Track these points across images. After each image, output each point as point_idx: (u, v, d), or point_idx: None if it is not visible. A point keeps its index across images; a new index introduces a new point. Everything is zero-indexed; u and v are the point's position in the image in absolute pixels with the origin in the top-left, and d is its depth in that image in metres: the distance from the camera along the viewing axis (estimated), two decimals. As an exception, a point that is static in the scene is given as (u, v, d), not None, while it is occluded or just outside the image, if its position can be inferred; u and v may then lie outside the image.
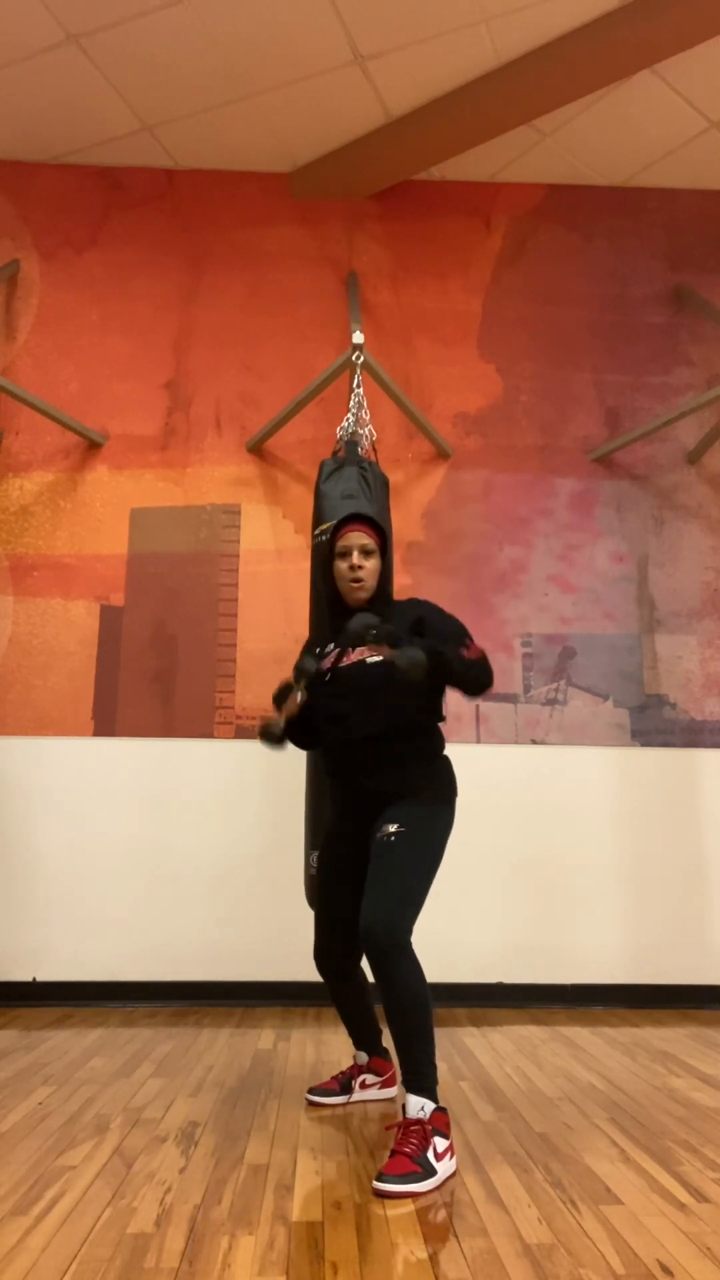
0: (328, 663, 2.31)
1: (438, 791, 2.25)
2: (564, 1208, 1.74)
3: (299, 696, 2.26)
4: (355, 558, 2.29)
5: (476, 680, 2.15)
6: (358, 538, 2.31)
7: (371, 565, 2.31)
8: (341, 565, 2.31)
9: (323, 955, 2.35)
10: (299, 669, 2.27)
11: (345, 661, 2.27)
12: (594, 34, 3.55)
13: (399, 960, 2.00)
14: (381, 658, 2.16)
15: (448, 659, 2.08)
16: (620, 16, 3.49)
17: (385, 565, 2.35)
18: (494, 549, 4.15)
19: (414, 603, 2.36)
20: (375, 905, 2.05)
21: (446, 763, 2.30)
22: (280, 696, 2.29)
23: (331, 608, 2.38)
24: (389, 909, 2.04)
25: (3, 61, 3.76)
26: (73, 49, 3.70)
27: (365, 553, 2.30)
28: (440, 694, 2.29)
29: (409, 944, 2.04)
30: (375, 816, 2.21)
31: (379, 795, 2.21)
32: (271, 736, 2.26)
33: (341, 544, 2.32)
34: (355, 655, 2.26)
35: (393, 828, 2.14)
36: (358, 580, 2.29)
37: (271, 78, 3.84)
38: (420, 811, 2.19)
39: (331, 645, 2.34)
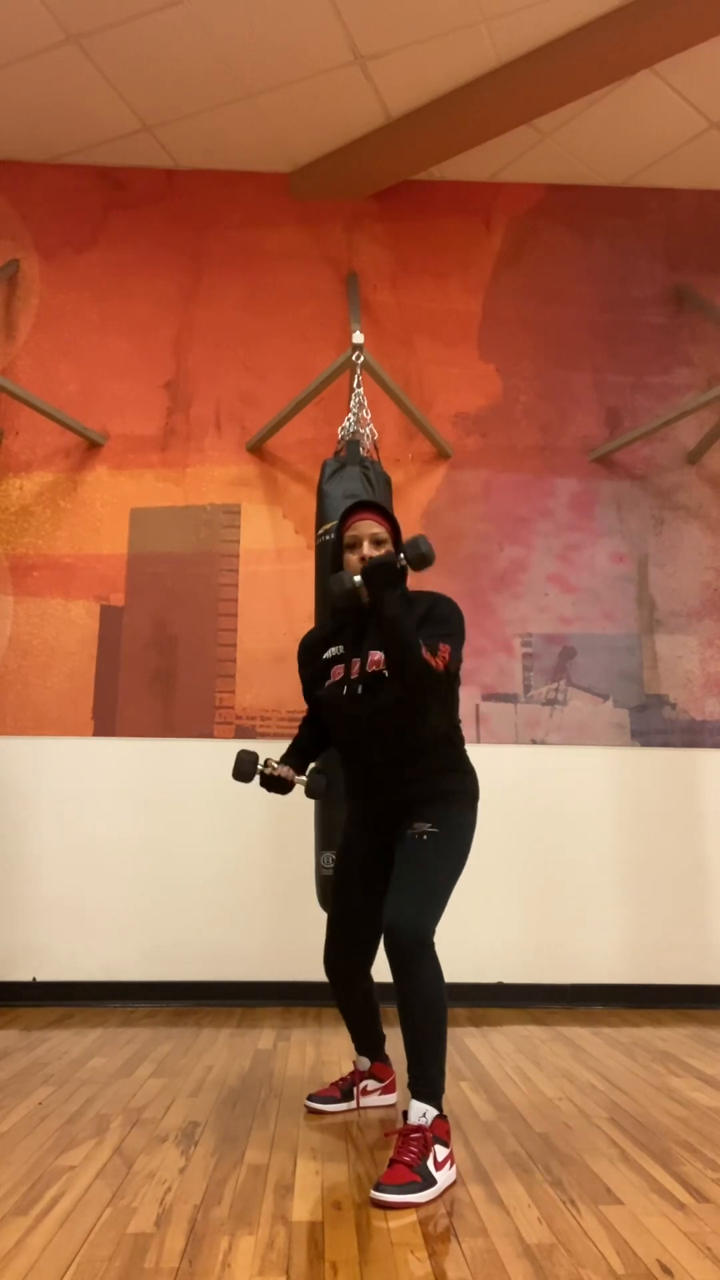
0: (338, 672, 2.19)
1: (465, 796, 2.19)
2: (564, 1208, 1.74)
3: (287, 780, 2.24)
4: (365, 548, 2.18)
5: (400, 652, 2.02)
6: (367, 527, 2.19)
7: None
8: (351, 558, 2.20)
9: (335, 962, 2.28)
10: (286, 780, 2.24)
11: (354, 673, 2.15)
12: (594, 34, 3.55)
13: (422, 960, 1.94)
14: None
15: (398, 624, 2.01)
16: (620, 16, 3.49)
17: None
18: (494, 549, 4.15)
19: (430, 594, 2.23)
20: (401, 903, 1.99)
21: (470, 767, 2.23)
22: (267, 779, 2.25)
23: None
24: (415, 906, 1.98)
25: (3, 61, 3.76)
26: (73, 49, 3.70)
27: (376, 542, 2.19)
28: (449, 698, 2.19)
29: (432, 944, 1.97)
30: (396, 822, 2.15)
31: (405, 805, 2.15)
32: (247, 770, 2.21)
33: (350, 534, 2.21)
34: (369, 664, 2.14)
35: (424, 827, 2.08)
36: None
37: (271, 78, 3.84)
38: (449, 814, 2.13)
39: (339, 649, 2.23)
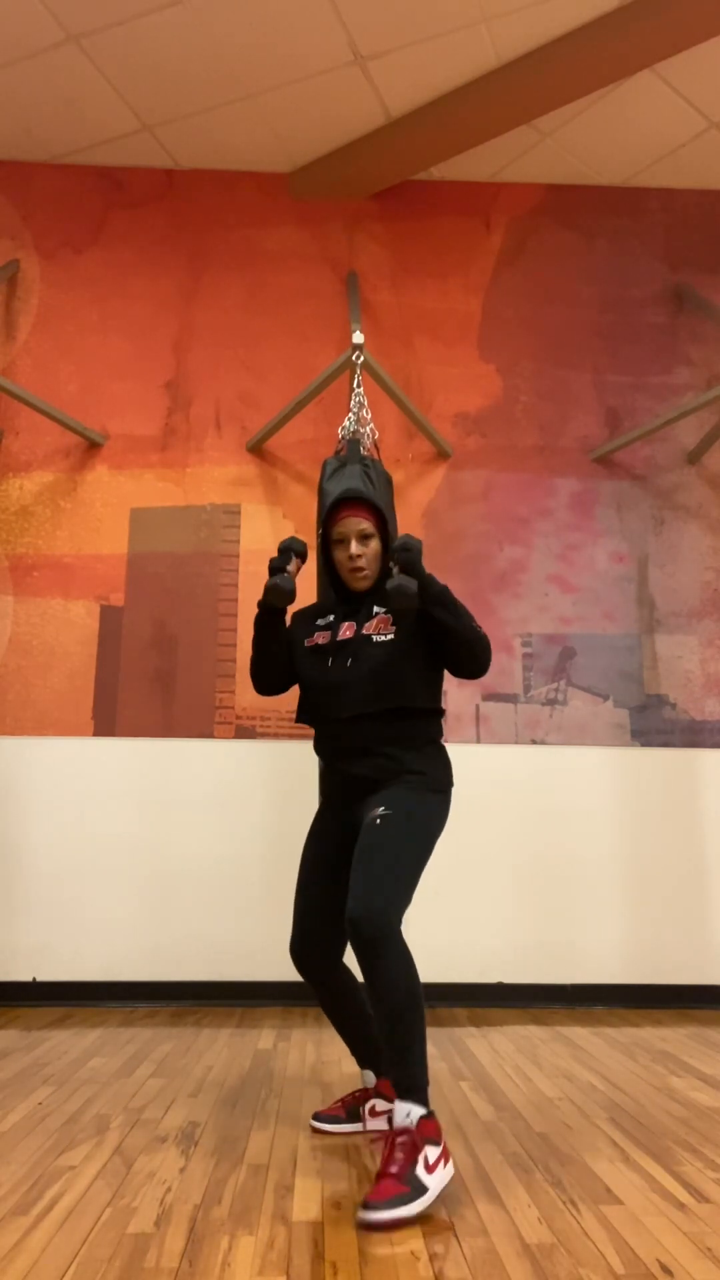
0: (323, 637, 2.20)
1: (431, 779, 2.10)
2: (564, 1208, 1.74)
3: (295, 567, 2.20)
4: (353, 546, 2.15)
5: (474, 646, 2.07)
6: (354, 523, 2.16)
7: (372, 550, 2.17)
8: (340, 555, 2.18)
9: (299, 950, 2.16)
10: (289, 548, 2.21)
11: (345, 635, 2.16)
12: (594, 34, 3.55)
13: (386, 948, 1.83)
14: (388, 636, 2.11)
15: (451, 608, 2.03)
16: (620, 16, 3.49)
17: (387, 548, 2.19)
18: (494, 549, 4.15)
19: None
20: (361, 889, 1.89)
21: (442, 751, 2.16)
22: (279, 565, 2.20)
23: (336, 592, 2.26)
24: (376, 893, 1.88)
25: (3, 61, 3.76)
26: (73, 49, 3.70)
27: (363, 538, 2.16)
28: (439, 677, 2.17)
29: (398, 932, 1.87)
30: (361, 801, 2.09)
31: (368, 782, 2.09)
32: (282, 589, 2.15)
33: (337, 531, 2.18)
34: (364, 629, 2.15)
35: (381, 810, 2.00)
36: (358, 569, 2.16)
37: (271, 78, 3.84)
38: (412, 797, 2.04)
39: (331, 616, 2.23)
